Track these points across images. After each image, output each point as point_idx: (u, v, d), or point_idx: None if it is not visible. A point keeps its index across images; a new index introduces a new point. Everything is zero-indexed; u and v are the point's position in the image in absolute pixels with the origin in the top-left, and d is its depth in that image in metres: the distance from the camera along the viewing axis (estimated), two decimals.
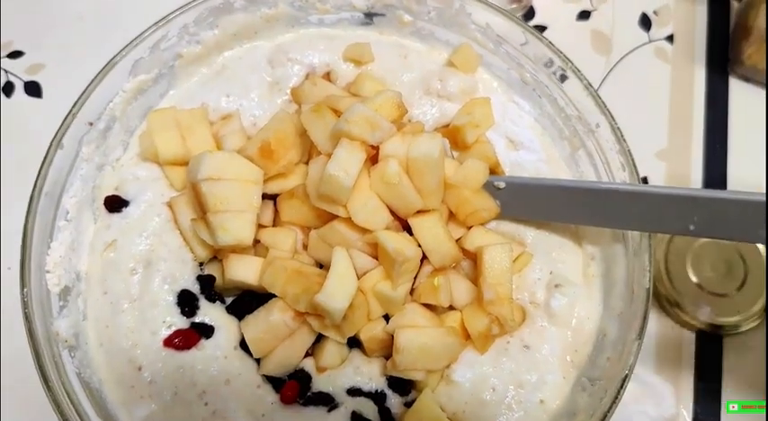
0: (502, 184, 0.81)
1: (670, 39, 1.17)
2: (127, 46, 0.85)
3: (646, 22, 1.19)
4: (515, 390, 0.78)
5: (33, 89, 1.10)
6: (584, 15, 1.19)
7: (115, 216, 0.83)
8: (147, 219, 0.82)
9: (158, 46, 0.87)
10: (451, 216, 0.82)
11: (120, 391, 0.77)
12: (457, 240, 0.81)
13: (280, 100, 0.90)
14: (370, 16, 0.96)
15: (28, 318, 0.73)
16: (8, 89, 1.10)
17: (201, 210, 0.78)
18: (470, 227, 0.83)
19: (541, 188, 0.81)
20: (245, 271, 0.78)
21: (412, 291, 0.79)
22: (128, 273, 0.80)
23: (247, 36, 0.93)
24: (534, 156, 0.91)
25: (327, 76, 0.92)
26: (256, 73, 0.91)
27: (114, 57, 0.84)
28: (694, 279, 0.97)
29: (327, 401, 0.77)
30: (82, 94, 0.82)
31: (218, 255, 0.82)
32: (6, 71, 1.11)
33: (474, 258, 0.80)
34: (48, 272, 0.78)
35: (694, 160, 1.09)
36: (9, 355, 0.94)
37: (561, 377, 0.79)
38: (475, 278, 0.79)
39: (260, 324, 0.76)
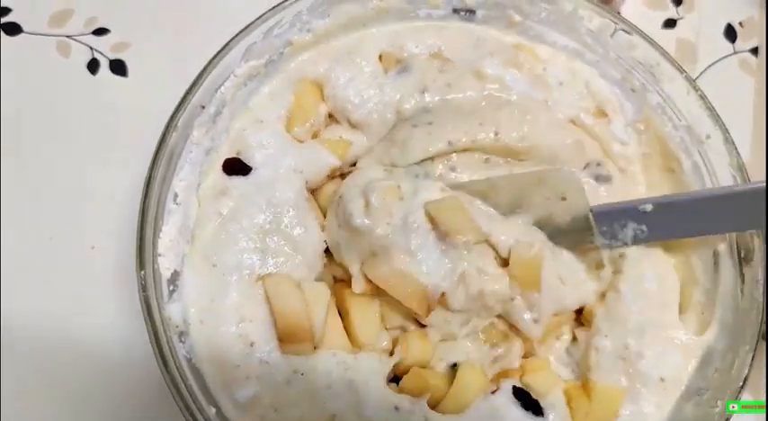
0: (648, 207, 0.76)
1: (755, 51, 1.17)
2: (243, 30, 0.84)
3: (731, 34, 1.19)
4: None
5: (119, 67, 1.08)
6: (670, 24, 1.19)
7: (237, 179, 0.82)
8: (279, 187, 0.82)
9: (271, 32, 0.86)
10: None
11: (221, 372, 0.76)
12: None
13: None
14: (472, 12, 0.95)
15: (147, 302, 0.73)
16: (93, 66, 1.08)
17: None
18: None
19: (691, 202, 0.76)
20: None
21: None
22: (245, 242, 0.80)
23: (355, 27, 0.92)
24: None
25: None
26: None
27: (230, 41, 0.83)
28: None
29: None
30: (198, 76, 0.81)
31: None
32: (91, 48, 1.09)
33: None
34: (160, 255, 0.77)
35: None
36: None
37: None
38: None
39: None
